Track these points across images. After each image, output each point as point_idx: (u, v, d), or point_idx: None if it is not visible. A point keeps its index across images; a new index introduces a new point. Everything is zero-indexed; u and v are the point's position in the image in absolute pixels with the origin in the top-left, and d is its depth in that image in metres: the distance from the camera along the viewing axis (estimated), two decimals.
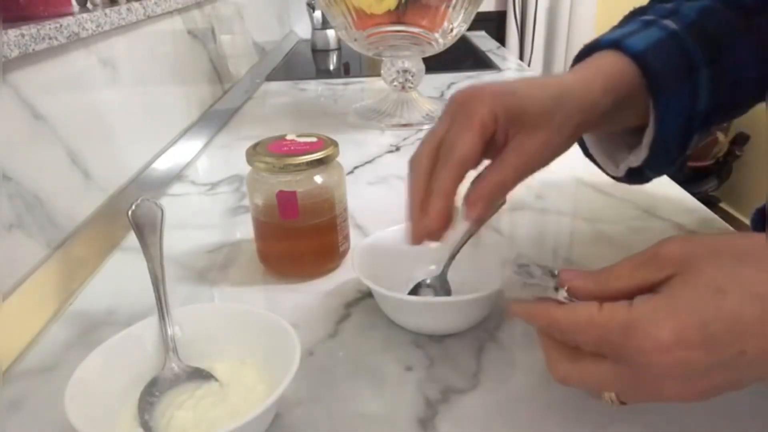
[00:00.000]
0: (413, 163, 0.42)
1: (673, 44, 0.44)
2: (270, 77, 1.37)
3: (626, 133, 0.48)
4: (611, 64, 0.43)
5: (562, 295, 0.35)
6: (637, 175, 0.49)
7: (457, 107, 0.41)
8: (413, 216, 0.41)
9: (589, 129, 0.46)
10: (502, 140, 0.40)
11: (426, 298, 0.48)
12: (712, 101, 0.45)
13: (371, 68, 1.38)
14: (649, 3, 0.52)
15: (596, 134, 0.51)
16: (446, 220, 0.39)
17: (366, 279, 0.45)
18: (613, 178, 0.51)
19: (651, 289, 0.31)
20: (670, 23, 0.45)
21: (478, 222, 0.43)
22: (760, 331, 0.28)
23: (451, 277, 0.50)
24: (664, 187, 0.71)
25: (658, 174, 0.49)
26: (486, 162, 0.41)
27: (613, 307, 0.31)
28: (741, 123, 2.32)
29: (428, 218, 0.39)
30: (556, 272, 0.47)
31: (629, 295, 0.31)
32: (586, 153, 0.52)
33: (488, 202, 0.40)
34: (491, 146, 0.40)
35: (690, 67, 0.44)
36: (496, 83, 0.41)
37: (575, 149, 0.80)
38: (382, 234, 0.52)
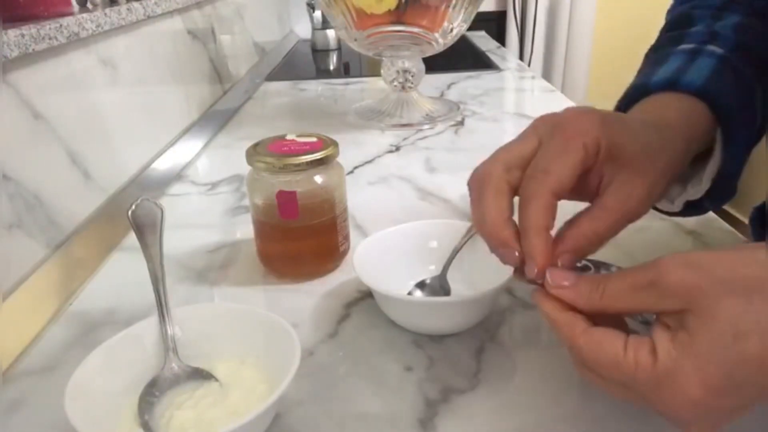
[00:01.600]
0: (480, 182, 0.35)
1: (728, 71, 0.41)
2: (270, 77, 1.37)
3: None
4: (681, 106, 0.39)
5: None
6: (694, 208, 0.45)
7: (553, 128, 0.35)
8: (504, 247, 0.34)
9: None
10: (595, 180, 0.35)
11: (426, 298, 0.48)
12: (765, 118, 0.44)
13: (371, 68, 1.38)
14: (670, 29, 0.49)
15: None
16: (549, 258, 0.33)
17: (366, 279, 0.45)
18: (668, 214, 0.47)
19: (654, 313, 0.31)
20: (715, 48, 0.43)
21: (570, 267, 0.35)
22: None
23: (451, 277, 0.50)
24: None
25: (720, 205, 0.45)
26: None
27: (637, 355, 0.29)
28: None
29: (532, 259, 0.33)
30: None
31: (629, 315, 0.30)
32: None
33: (579, 256, 0.34)
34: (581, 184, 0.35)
35: (749, 90, 0.42)
36: (601, 110, 0.36)
37: None
38: (383, 234, 0.52)
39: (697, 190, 0.43)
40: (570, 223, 0.35)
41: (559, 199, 0.34)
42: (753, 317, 0.27)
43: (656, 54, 0.47)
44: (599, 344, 0.30)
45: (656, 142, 0.35)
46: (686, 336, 0.28)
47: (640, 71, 0.46)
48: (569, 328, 0.32)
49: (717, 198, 0.44)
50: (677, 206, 0.45)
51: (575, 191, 0.35)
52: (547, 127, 0.35)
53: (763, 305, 0.27)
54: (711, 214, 0.64)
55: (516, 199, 0.35)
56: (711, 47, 0.43)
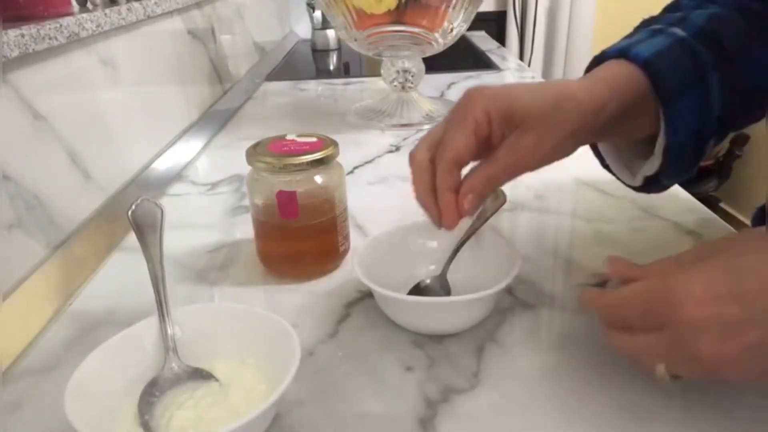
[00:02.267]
0: (413, 160, 0.45)
1: (681, 50, 0.44)
2: (270, 77, 1.37)
3: (643, 144, 0.47)
4: (617, 71, 0.43)
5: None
6: (654, 184, 0.49)
7: (454, 109, 0.43)
8: (428, 210, 0.44)
9: (594, 136, 0.46)
10: (498, 141, 0.42)
11: (426, 298, 0.48)
12: (726, 106, 0.45)
13: (371, 68, 1.38)
14: (660, 13, 0.51)
15: (614, 145, 0.51)
16: (456, 211, 0.42)
17: (366, 279, 0.45)
18: (632, 188, 0.51)
19: None
20: (677, 30, 0.45)
21: (472, 211, 0.44)
22: None
23: (451, 277, 0.50)
24: None
25: (675, 181, 0.49)
26: None
27: (651, 279, 0.35)
28: None
29: (443, 215, 0.43)
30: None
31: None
32: (604, 165, 0.52)
33: (478, 195, 0.42)
34: (488, 147, 0.42)
35: (700, 72, 0.44)
36: (495, 86, 0.43)
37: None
38: (383, 234, 0.52)
39: (651, 166, 0.47)
40: (470, 171, 0.42)
41: (462, 165, 0.42)
42: (764, 245, 0.32)
43: (632, 31, 0.50)
44: (622, 288, 0.36)
45: (547, 103, 0.41)
46: (699, 262, 0.34)
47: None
48: (601, 294, 0.38)
49: (670, 174, 0.47)
50: (638, 181, 0.49)
51: (487, 153, 0.42)
52: (453, 109, 0.43)
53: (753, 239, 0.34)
54: (711, 214, 0.64)
55: None
56: (674, 29, 0.45)
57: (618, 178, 0.52)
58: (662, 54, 0.43)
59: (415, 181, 0.44)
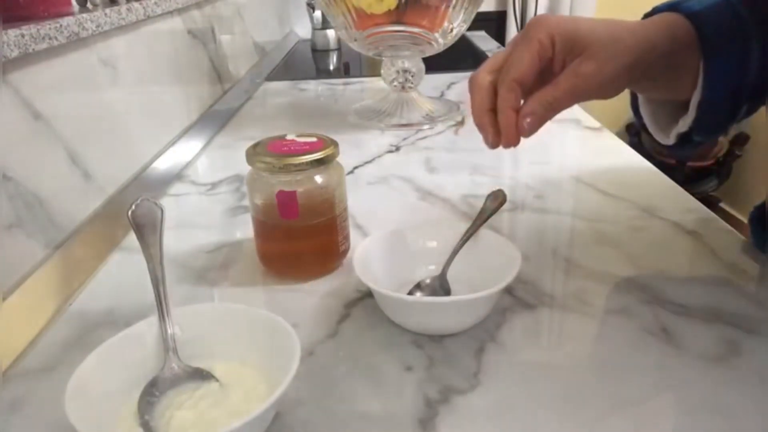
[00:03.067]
0: (474, 81, 0.46)
1: (726, 11, 0.46)
2: (270, 77, 1.37)
3: (680, 107, 0.50)
4: (668, 19, 0.46)
5: None
6: (686, 142, 0.51)
7: (522, 33, 0.45)
8: (485, 130, 0.45)
9: (645, 76, 0.47)
10: (559, 66, 0.44)
11: (426, 298, 0.48)
12: (764, 75, 0.47)
13: (371, 68, 1.38)
14: None
15: (651, 109, 0.53)
16: (514, 128, 0.44)
17: (366, 279, 0.45)
18: (665, 148, 0.54)
19: None
20: None
21: (532, 132, 0.45)
22: None
23: (451, 277, 0.50)
24: (664, 187, 0.71)
25: (706, 139, 0.51)
26: None
27: None
28: (741, 123, 2.32)
29: (504, 133, 0.44)
30: None
31: None
32: (641, 124, 0.55)
33: (539, 118, 0.44)
34: (549, 72, 0.44)
35: (742, 33, 0.46)
36: (560, 15, 0.47)
37: (575, 150, 0.80)
38: (383, 234, 0.52)
39: (686, 121, 0.49)
40: (532, 96, 0.44)
41: (524, 85, 0.44)
42: None
43: None
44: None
45: (608, 35, 0.44)
46: None
47: None
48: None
49: (704, 129, 0.49)
50: (672, 139, 0.52)
51: (548, 79, 0.44)
52: (520, 34, 0.45)
53: None
54: (711, 214, 0.64)
55: None
56: None
57: (651, 136, 0.54)
58: (710, 10, 0.46)
59: (474, 102, 0.46)
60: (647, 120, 0.54)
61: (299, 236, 0.53)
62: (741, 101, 0.47)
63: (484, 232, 0.51)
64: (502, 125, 0.44)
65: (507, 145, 0.44)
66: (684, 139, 0.51)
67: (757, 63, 0.46)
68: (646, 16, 0.49)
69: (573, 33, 0.43)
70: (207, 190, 0.76)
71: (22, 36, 0.51)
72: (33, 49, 0.53)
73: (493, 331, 0.46)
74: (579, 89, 0.43)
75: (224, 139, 0.96)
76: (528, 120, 0.43)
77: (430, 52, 0.97)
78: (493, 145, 0.45)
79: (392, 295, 0.45)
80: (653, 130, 0.54)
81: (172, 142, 0.87)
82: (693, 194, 0.68)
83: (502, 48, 1.65)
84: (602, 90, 0.44)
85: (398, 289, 0.48)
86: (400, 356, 0.44)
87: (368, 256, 0.49)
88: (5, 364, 0.45)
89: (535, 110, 0.43)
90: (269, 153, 0.51)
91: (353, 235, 0.58)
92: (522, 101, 0.44)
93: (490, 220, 0.52)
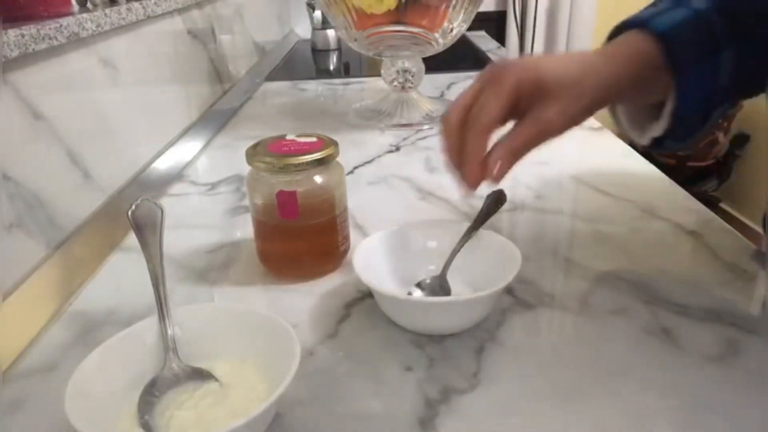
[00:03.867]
0: (445, 122, 0.47)
1: (697, 23, 0.46)
2: (270, 77, 1.37)
3: (655, 106, 0.50)
4: (636, 43, 0.46)
5: None
6: (660, 145, 0.51)
7: (490, 77, 0.46)
8: (454, 173, 0.47)
9: (611, 103, 0.49)
10: (524, 109, 0.45)
11: (426, 298, 0.48)
12: (738, 76, 0.47)
13: (371, 68, 1.38)
14: None
15: (627, 105, 0.54)
16: (480, 176, 0.45)
17: (366, 279, 0.45)
18: (641, 146, 0.55)
19: None
20: (698, 2, 0.47)
21: (499, 180, 0.46)
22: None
23: (451, 276, 0.50)
24: (664, 187, 0.71)
25: (681, 144, 0.51)
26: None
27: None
28: (741, 123, 2.32)
29: (466, 179, 0.46)
30: None
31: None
32: (617, 121, 0.55)
33: (506, 163, 0.45)
34: (516, 113, 0.45)
35: (714, 45, 0.46)
36: (525, 59, 0.47)
37: (575, 150, 0.80)
38: (382, 234, 0.52)
39: (660, 126, 0.49)
40: (497, 143, 0.45)
41: (493, 131, 0.45)
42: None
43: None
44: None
45: (571, 76, 0.45)
46: None
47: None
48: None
49: (677, 137, 0.50)
50: (645, 140, 0.52)
51: (514, 118, 0.46)
52: (488, 76, 0.46)
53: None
54: (711, 214, 0.64)
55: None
56: (695, 0, 0.48)
57: (627, 134, 0.54)
58: (680, 27, 0.46)
59: (445, 144, 0.47)
60: (623, 119, 0.54)
61: (299, 236, 0.53)
62: (714, 107, 0.48)
63: (484, 232, 0.51)
64: (466, 175, 0.45)
65: (466, 193, 0.45)
66: (658, 142, 0.51)
67: (729, 71, 0.47)
68: (614, 32, 0.49)
69: (540, 79, 0.44)
70: (207, 190, 0.76)
71: (22, 36, 0.51)
72: (33, 49, 0.53)
73: (493, 331, 0.46)
74: (543, 133, 0.45)
75: (224, 139, 0.96)
76: (497, 167, 0.44)
77: (430, 52, 0.97)
78: (462, 190, 0.46)
79: (392, 295, 0.45)
80: (629, 129, 0.54)
81: (172, 142, 0.87)
82: (693, 194, 0.68)
83: (502, 47, 1.65)
84: (567, 127, 0.45)
85: (398, 289, 0.48)
86: (400, 356, 0.44)
87: (368, 256, 0.49)
88: (5, 364, 0.45)
89: (502, 157, 0.44)
90: (269, 153, 0.51)
91: (353, 235, 0.58)
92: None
93: (490, 220, 0.52)
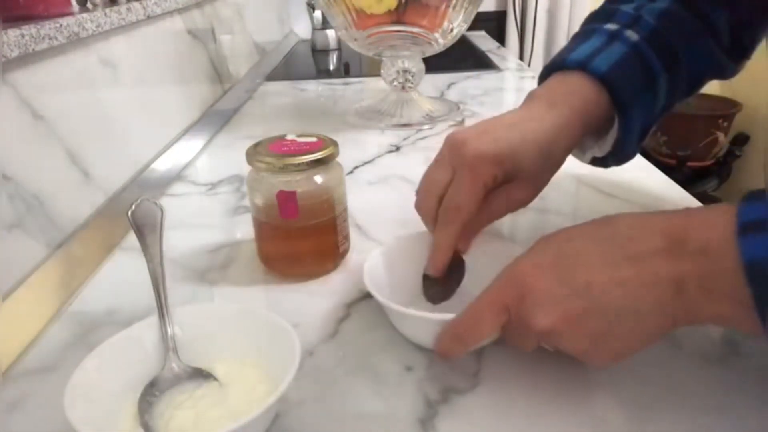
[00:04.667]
0: (419, 210, 0.49)
1: (635, 59, 0.48)
2: (270, 77, 1.37)
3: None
4: (582, 92, 0.48)
5: None
6: (600, 162, 0.55)
7: (461, 165, 0.45)
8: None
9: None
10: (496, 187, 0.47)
11: (446, 315, 0.42)
12: (671, 97, 0.51)
13: (371, 68, 1.38)
14: (611, 0, 0.55)
15: None
16: (446, 266, 0.47)
17: (377, 293, 0.43)
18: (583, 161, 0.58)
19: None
20: (632, 34, 0.49)
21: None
22: (602, 265, 0.34)
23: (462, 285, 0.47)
24: (664, 187, 0.71)
25: (620, 163, 0.55)
26: None
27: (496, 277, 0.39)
28: (741, 123, 2.32)
29: (432, 264, 0.47)
30: None
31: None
32: None
33: (473, 239, 0.48)
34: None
35: (650, 78, 0.49)
36: (493, 137, 0.45)
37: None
38: (391, 243, 0.50)
39: (602, 149, 0.53)
40: (469, 225, 0.46)
41: (467, 221, 0.45)
42: (580, 229, 0.37)
43: (588, 25, 0.54)
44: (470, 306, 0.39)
45: (541, 158, 0.46)
46: (533, 245, 0.38)
47: (570, 42, 0.53)
48: (445, 330, 0.40)
49: (618, 158, 0.54)
50: (586, 159, 0.56)
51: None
52: (457, 160, 0.45)
53: (592, 225, 0.37)
54: None
55: None
56: (629, 32, 0.50)
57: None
58: (618, 66, 0.48)
59: (426, 226, 0.49)
60: None
61: (299, 236, 0.53)
62: (651, 127, 0.52)
63: (491, 237, 0.50)
64: (434, 260, 0.46)
65: (434, 272, 0.47)
66: (598, 160, 0.55)
67: (664, 95, 0.50)
68: (550, 69, 0.51)
69: (513, 167, 0.45)
70: (207, 190, 0.76)
71: (22, 36, 0.51)
72: (33, 49, 0.53)
73: None
74: (512, 209, 0.48)
75: (224, 139, 0.96)
76: (469, 243, 0.48)
77: (430, 52, 0.97)
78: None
79: (409, 312, 0.42)
80: None
81: (172, 142, 0.87)
82: (693, 194, 0.68)
83: (502, 47, 1.65)
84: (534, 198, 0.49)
85: (410, 301, 0.46)
86: (400, 356, 0.44)
87: (377, 267, 0.47)
88: (5, 364, 0.45)
89: (473, 234, 0.48)
90: (269, 153, 0.51)
91: (353, 235, 0.58)
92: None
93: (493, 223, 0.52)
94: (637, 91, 0.48)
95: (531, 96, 0.51)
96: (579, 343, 0.36)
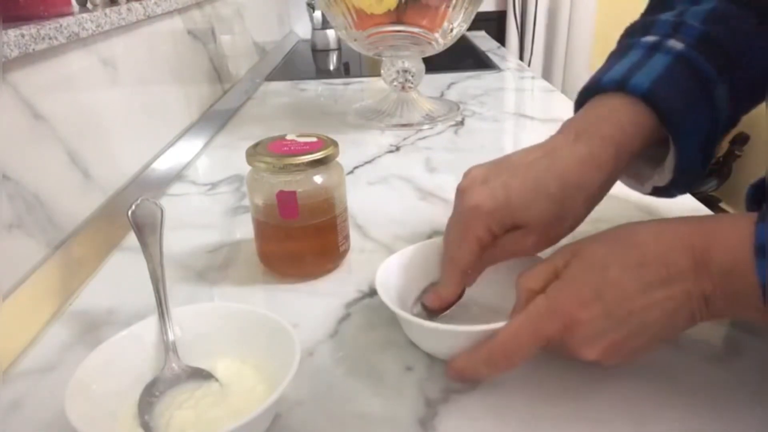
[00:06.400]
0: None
1: (682, 69, 0.42)
2: (270, 77, 1.37)
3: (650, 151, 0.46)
4: (621, 117, 0.42)
5: None
6: (665, 192, 0.48)
7: (457, 211, 0.44)
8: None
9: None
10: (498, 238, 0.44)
11: (463, 327, 0.41)
12: (734, 108, 0.44)
13: (371, 68, 1.38)
14: (648, 11, 0.49)
15: None
16: (447, 306, 0.46)
17: (390, 303, 0.42)
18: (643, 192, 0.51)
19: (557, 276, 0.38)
20: (675, 43, 0.43)
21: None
22: (640, 292, 0.35)
23: (473, 293, 0.46)
24: None
25: (690, 189, 0.49)
26: None
27: (532, 303, 0.38)
28: (741, 123, 2.31)
29: (432, 305, 0.45)
30: None
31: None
32: None
33: (476, 277, 0.46)
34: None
35: (704, 88, 0.42)
36: (499, 183, 0.42)
37: None
38: (403, 253, 0.49)
39: (662, 178, 0.46)
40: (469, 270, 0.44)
41: (467, 270, 0.44)
42: (614, 256, 0.37)
43: (625, 41, 0.48)
44: (504, 327, 0.38)
45: (552, 202, 0.41)
46: (566, 271, 0.38)
47: (606, 61, 0.47)
48: (480, 348, 0.39)
49: (683, 185, 0.47)
50: (646, 189, 0.49)
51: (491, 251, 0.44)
52: (455, 210, 0.44)
53: (622, 248, 0.37)
54: (711, 213, 0.64)
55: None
56: (671, 42, 0.43)
57: (627, 185, 0.51)
58: (663, 80, 0.41)
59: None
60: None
61: (299, 236, 0.53)
62: (715, 143, 0.45)
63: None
64: (435, 295, 0.45)
65: (434, 308, 0.46)
66: (661, 190, 0.48)
67: (725, 105, 0.43)
68: (587, 94, 0.45)
69: (511, 217, 0.41)
70: (207, 190, 0.76)
71: (22, 36, 0.51)
72: (33, 49, 0.53)
73: None
74: (520, 256, 0.44)
75: (224, 139, 0.96)
76: (473, 279, 0.46)
77: (430, 52, 0.97)
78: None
79: (427, 324, 0.42)
80: (625, 180, 0.50)
81: (172, 142, 0.87)
82: (693, 194, 0.68)
83: (502, 47, 1.65)
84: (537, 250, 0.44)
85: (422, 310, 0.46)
86: (400, 356, 0.44)
87: (389, 276, 0.46)
88: (5, 364, 0.45)
89: (474, 276, 0.45)
90: (269, 153, 0.51)
91: (353, 235, 0.58)
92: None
93: None
94: (689, 105, 0.42)
95: (562, 126, 0.45)
96: (614, 360, 0.38)
